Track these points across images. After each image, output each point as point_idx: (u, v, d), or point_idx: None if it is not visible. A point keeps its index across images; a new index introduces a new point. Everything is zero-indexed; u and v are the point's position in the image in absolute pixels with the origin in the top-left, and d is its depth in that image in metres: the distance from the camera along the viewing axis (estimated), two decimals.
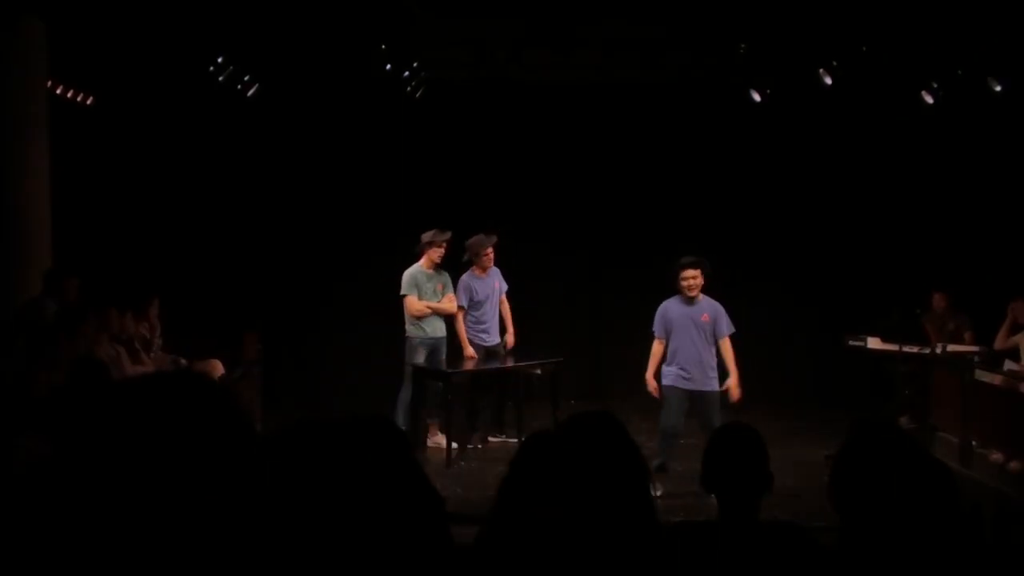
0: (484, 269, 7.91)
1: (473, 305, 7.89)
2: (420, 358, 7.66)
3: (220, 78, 8.10)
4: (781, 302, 9.66)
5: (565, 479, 2.10)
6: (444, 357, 7.81)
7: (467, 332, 7.85)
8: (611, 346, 9.71)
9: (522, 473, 2.21)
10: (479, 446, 7.89)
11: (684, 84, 9.12)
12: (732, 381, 6.46)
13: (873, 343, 8.23)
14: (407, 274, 7.65)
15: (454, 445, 7.60)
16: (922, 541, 2.01)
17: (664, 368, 6.49)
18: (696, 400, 6.40)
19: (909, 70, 8.38)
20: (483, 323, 7.97)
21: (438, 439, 7.64)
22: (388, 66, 8.40)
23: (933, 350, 7.86)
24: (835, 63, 8.15)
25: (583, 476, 2.13)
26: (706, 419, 6.33)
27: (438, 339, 7.76)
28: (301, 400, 9.04)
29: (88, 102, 8.59)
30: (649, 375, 6.50)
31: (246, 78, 8.37)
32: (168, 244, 9.10)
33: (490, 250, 7.83)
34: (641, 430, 7.77)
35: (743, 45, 8.38)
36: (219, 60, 8.03)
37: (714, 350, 6.48)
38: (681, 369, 6.41)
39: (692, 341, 6.40)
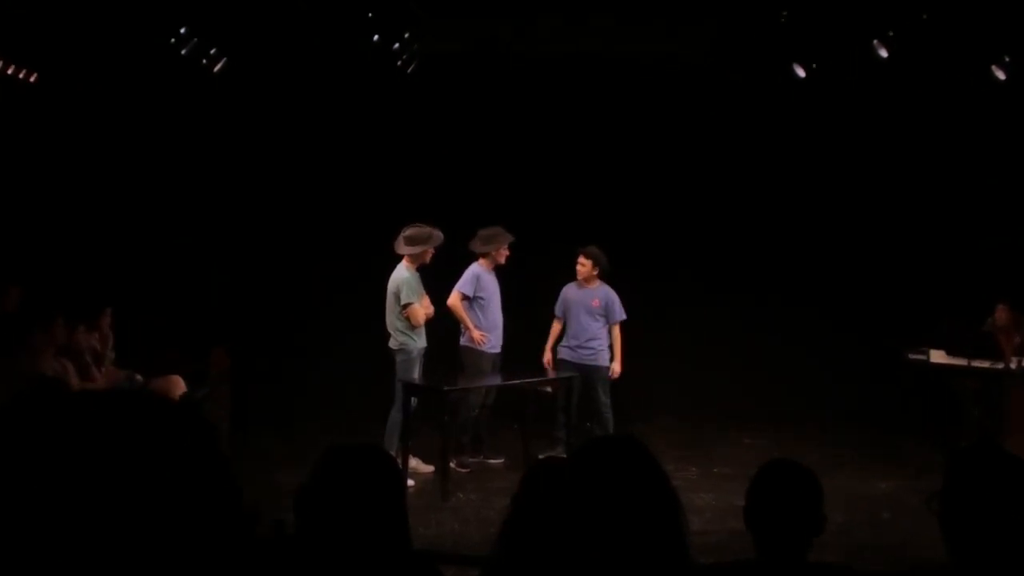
0: (492, 265, 8.04)
1: (478, 302, 8.01)
2: (416, 372, 7.74)
3: (183, 52, 8.12)
4: (828, 309, 9.66)
5: (583, 515, 2.09)
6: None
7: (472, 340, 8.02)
8: (631, 361, 9.68)
9: (528, 509, 2.22)
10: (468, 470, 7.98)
11: (716, 58, 9.13)
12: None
13: (936, 357, 8.22)
14: (404, 280, 7.70)
15: (457, 467, 7.72)
16: None
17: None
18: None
19: (977, 41, 8.35)
20: (490, 328, 8.05)
21: (414, 465, 7.71)
22: (376, 37, 8.41)
23: (1007, 365, 7.82)
24: (891, 33, 8.13)
25: (604, 511, 2.12)
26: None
27: (425, 349, 7.84)
28: (275, 422, 9.06)
29: (32, 80, 8.61)
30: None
31: (212, 52, 8.39)
32: (123, 245, 9.12)
33: (507, 248, 8.02)
34: (668, 457, 7.78)
35: (784, 12, 8.37)
36: (181, 31, 8.06)
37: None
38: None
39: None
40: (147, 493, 1.08)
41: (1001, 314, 8.35)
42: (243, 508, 1.20)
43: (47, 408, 1.13)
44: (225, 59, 8.52)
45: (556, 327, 8.40)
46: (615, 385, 8.42)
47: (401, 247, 7.76)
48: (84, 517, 1.06)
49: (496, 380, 8.08)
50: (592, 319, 8.19)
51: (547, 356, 8.38)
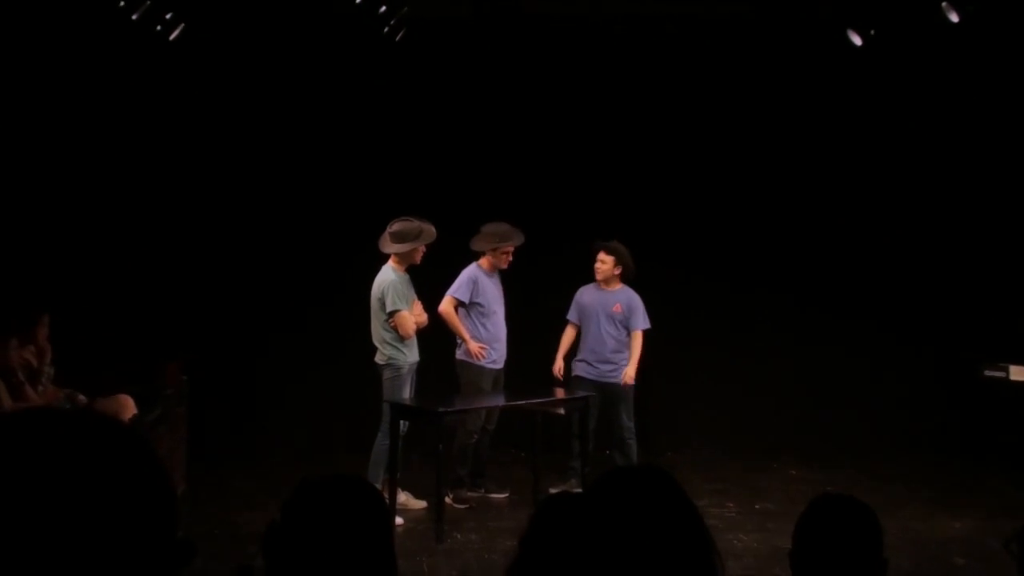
0: (494, 267, 8.09)
1: (476, 309, 8.04)
2: (407, 391, 7.76)
3: (133, 16, 8.14)
4: (890, 318, 9.68)
5: (600, 559, 2.09)
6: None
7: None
8: (658, 380, 9.69)
9: (537, 551, 2.21)
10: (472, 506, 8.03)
11: (759, 22, 9.14)
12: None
13: (1017, 374, 8.22)
14: (390, 284, 7.70)
15: (453, 503, 7.76)
16: None
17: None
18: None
19: None
20: (490, 339, 8.06)
21: (404, 500, 7.76)
22: (357, 0, 8.43)
23: None
24: None
25: (625, 554, 2.12)
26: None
27: (416, 364, 7.86)
28: (239, 450, 9.10)
29: None
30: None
31: (167, 16, 8.41)
32: (62, 243, 9.13)
33: (512, 248, 8.07)
34: (702, 491, 7.80)
35: None
36: None
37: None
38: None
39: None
40: (76, 527, 1.11)
41: None
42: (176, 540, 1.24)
43: None
44: (183, 25, 8.54)
45: (570, 333, 8.43)
46: (639, 407, 8.43)
47: (387, 245, 7.78)
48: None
49: (499, 400, 8.12)
50: (613, 327, 8.22)
51: (558, 364, 8.40)
